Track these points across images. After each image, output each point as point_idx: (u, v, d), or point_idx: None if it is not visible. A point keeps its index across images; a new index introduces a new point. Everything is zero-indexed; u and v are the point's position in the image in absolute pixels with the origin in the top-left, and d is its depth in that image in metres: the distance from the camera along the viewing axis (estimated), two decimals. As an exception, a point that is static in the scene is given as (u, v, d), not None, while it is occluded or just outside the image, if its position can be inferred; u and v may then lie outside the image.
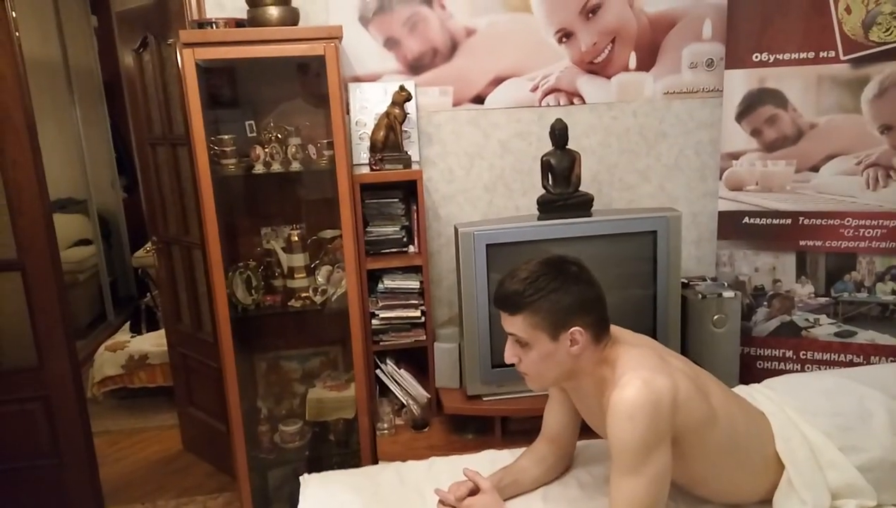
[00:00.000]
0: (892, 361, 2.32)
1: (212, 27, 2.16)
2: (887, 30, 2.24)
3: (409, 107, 2.42)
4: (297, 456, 2.46)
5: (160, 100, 2.89)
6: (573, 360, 1.35)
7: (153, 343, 3.72)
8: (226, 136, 2.24)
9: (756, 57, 2.36)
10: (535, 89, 2.58)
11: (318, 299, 2.34)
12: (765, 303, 2.52)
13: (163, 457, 3.27)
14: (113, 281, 5.22)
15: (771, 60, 2.35)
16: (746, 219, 2.48)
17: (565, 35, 2.54)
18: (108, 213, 5.33)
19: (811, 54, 2.31)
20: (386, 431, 2.36)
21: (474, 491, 1.50)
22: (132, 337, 3.87)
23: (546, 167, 2.33)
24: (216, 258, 2.18)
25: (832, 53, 2.29)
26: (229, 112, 2.38)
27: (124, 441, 3.43)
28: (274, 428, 2.47)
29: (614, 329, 1.47)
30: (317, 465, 2.31)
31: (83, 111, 4.86)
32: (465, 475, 1.51)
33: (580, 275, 1.36)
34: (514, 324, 1.34)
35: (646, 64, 2.59)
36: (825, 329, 2.47)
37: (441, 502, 1.50)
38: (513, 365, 1.41)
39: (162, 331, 3.60)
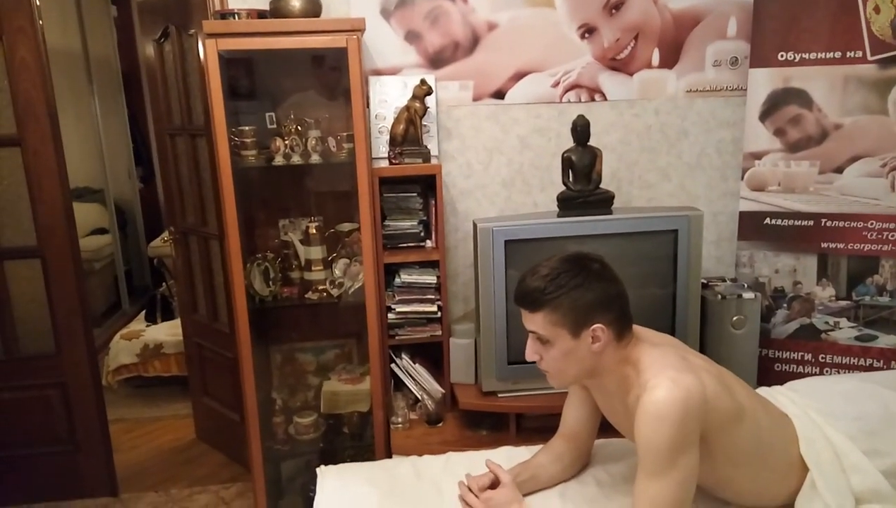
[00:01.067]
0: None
1: (234, 18, 2.16)
2: (916, 30, 2.21)
3: (430, 101, 2.41)
4: (310, 448, 2.46)
5: (180, 91, 2.90)
6: (595, 358, 1.34)
7: (168, 332, 3.74)
8: (246, 128, 2.24)
9: (781, 56, 2.33)
10: (556, 85, 2.56)
11: (335, 292, 2.34)
12: (784, 305, 2.49)
13: (176, 446, 3.29)
14: (128, 270, 5.26)
15: (796, 59, 2.32)
16: (768, 220, 2.45)
17: (588, 30, 2.52)
18: (125, 203, 5.36)
19: (838, 54, 2.28)
20: (400, 425, 2.36)
21: (495, 484, 1.50)
22: (147, 326, 3.89)
23: (567, 163, 2.31)
24: (235, 249, 2.19)
25: (859, 53, 2.26)
26: (249, 103, 2.38)
27: (139, 429, 3.45)
28: (288, 420, 2.48)
29: (636, 327, 1.45)
30: (330, 458, 2.31)
31: (102, 101, 4.89)
32: (487, 466, 1.51)
33: (602, 272, 1.35)
34: (534, 322, 1.33)
35: (669, 61, 2.56)
36: (845, 332, 2.44)
37: (462, 496, 1.49)
38: (533, 362, 1.41)
39: (177, 321, 3.62)
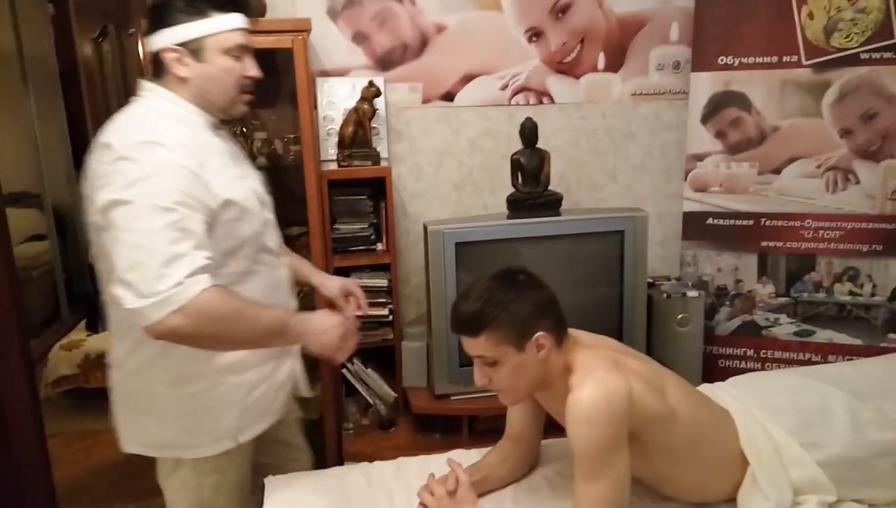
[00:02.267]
0: (848, 360, 2.38)
1: (175, 17, 2.10)
2: (848, 36, 2.30)
3: (378, 103, 2.40)
4: (260, 457, 2.40)
5: (120, 91, 2.81)
6: (542, 367, 1.35)
7: (105, 343, 3.61)
8: (189, 130, 2.18)
9: (721, 60, 2.39)
10: (504, 88, 2.58)
11: (284, 297, 2.29)
12: (727, 303, 2.56)
13: (119, 460, 3.17)
14: (68, 278, 5.06)
15: (736, 64, 2.39)
16: (710, 220, 2.52)
17: (535, 34, 2.54)
18: (64, 208, 5.16)
19: (775, 59, 2.36)
20: (352, 431, 2.33)
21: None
22: (88, 335, 3.76)
23: (516, 166, 2.33)
24: (178, 254, 2.12)
25: (795, 58, 2.34)
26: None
27: (80, 442, 3.32)
28: (237, 429, 2.41)
29: (574, 332, 1.47)
30: (281, 466, 2.26)
31: (38, 102, 4.69)
32: (449, 465, 1.50)
33: (530, 282, 1.36)
34: (478, 346, 1.33)
35: (614, 65, 2.61)
36: (785, 328, 2.52)
37: (420, 494, 1.48)
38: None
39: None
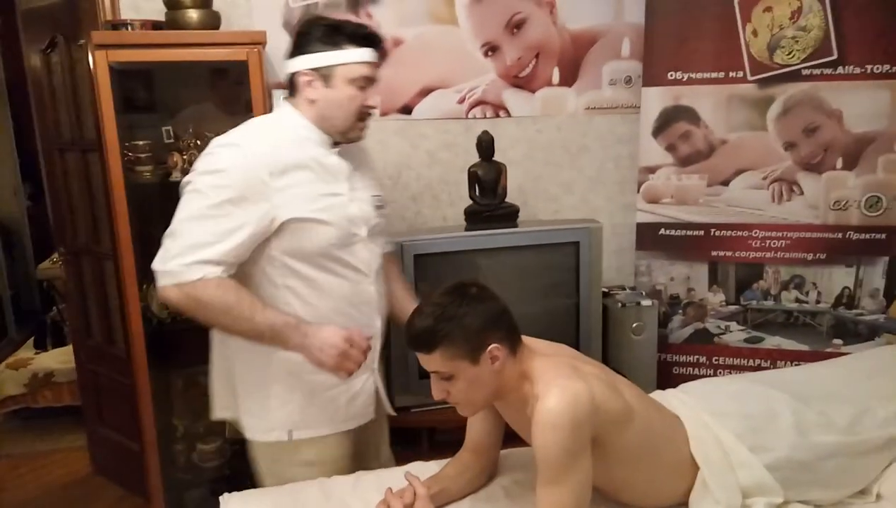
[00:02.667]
0: (796, 365, 2.46)
1: (127, 29, 2.08)
2: (790, 53, 2.39)
3: (335, 115, 2.39)
4: (216, 475, 2.36)
5: (70, 104, 2.74)
6: (498, 378, 1.36)
7: (59, 360, 3.51)
8: (141, 142, 2.15)
9: (671, 75, 2.46)
10: (461, 101, 2.60)
11: (240, 311, 2.26)
12: (680, 311, 2.62)
13: (70, 481, 3.07)
14: (15, 294, 4.90)
15: (685, 79, 2.46)
16: (663, 231, 2.58)
17: (491, 49, 2.58)
18: (11, 222, 5.00)
19: (721, 74, 2.44)
20: (310, 446, 2.30)
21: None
22: (36, 353, 3.63)
23: (473, 178, 2.35)
24: (129, 269, 2.09)
25: (741, 74, 2.43)
26: (146, 117, 2.29)
27: (28, 464, 3.20)
28: (191, 447, 2.38)
29: (529, 340, 1.49)
30: (238, 484, 2.21)
31: (-17, 113, 4.55)
32: (406, 479, 1.50)
33: (482, 294, 1.36)
34: (433, 362, 1.34)
35: (568, 79, 2.66)
36: (735, 335, 2.59)
37: None
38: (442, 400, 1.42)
39: (68, 347, 3.39)
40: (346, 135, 1.56)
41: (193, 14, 2.09)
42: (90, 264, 2.87)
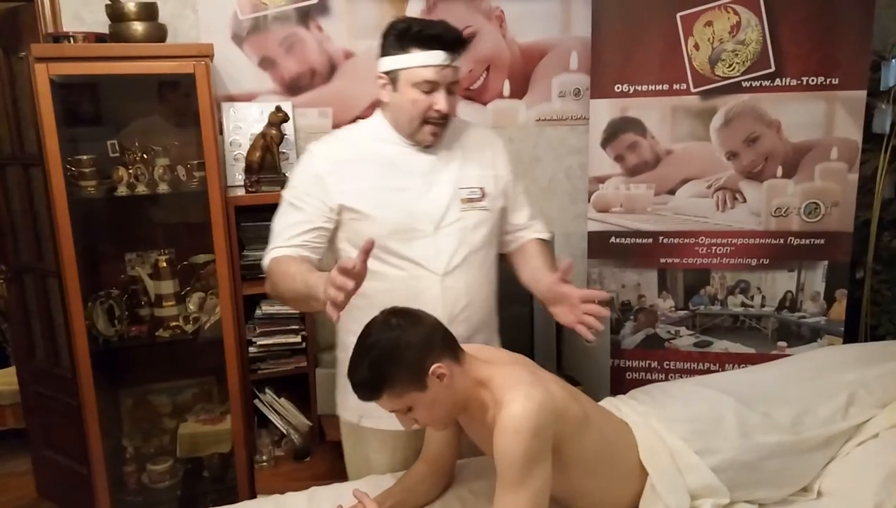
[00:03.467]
0: (743, 367, 2.53)
1: (69, 41, 2.03)
2: (730, 65, 2.47)
3: (287, 128, 2.38)
4: (167, 496, 2.31)
5: (10, 117, 2.66)
6: (453, 391, 1.36)
7: (2, 381, 3.38)
8: (85, 157, 2.10)
9: (618, 88, 2.52)
10: (414, 113, 2.61)
11: (189, 328, 2.22)
12: (631, 317, 2.67)
13: (14, 507, 2.96)
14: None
15: (631, 91, 2.52)
16: (613, 239, 2.63)
17: (442, 61, 2.59)
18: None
19: (666, 86, 2.51)
20: (265, 463, 2.27)
21: None
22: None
23: (425, 190, 2.36)
24: (74, 286, 2.03)
25: (684, 86, 2.50)
26: (91, 130, 2.24)
27: (-28, 491, 3.08)
28: (141, 468, 2.32)
29: (486, 350, 1.50)
30: (190, 504, 2.19)
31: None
32: (354, 496, 1.48)
33: (403, 321, 1.35)
34: (386, 403, 1.35)
35: (519, 92, 2.70)
36: (685, 340, 2.66)
37: None
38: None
39: (11, 369, 3.28)
40: (414, 138, 1.58)
41: (138, 26, 2.06)
42: (33, 282, 2.79)
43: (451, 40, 1.52)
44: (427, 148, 1.59)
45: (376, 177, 1.58)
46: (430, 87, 1.51)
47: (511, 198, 1.73)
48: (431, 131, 1.56)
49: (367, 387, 1.33)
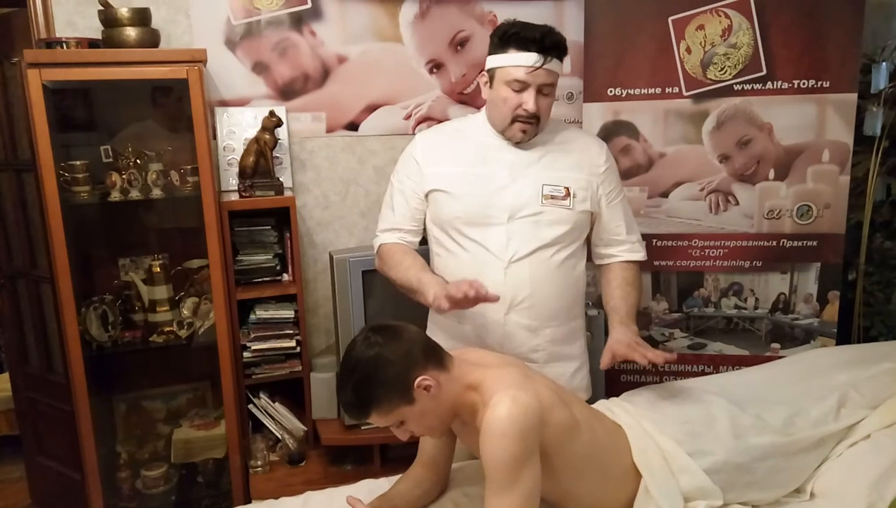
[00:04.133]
0: (737, 369, 2.53)
1: (62, 47, 2.03)
2: (722, 69, 2.48)
3: (281, 132, 2.38)
4: (162, 502, 2.30)
5: (2, 123, 2.65)
6: (441, 400, 1.36)
7: (-5, 388, 3.37)
8: (78, 162, 2.10)
9: (610, 91, 2.53)
10: (408, 117, 2.62)
11: (183, 333, 2.22)
12: (626, 320, 2.67)
13: (12, 514, 2.95)
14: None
15: (624, 95, 2.53)
16: (608, 242, 2.62)
17: (436, 66, 2.61)
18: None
19: (658, 90, 2.52)
20: (259, 468, 2.26)
21: None
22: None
23: (419, 194, 2.37)
24: (67, 292, 2.03)
25: (676, 89, 2.51)
26: (83, 136, 2.24)
27: (-35, 499, 3.06)
28: (135, 474, 2.31)
29: (478, 352, 1.50)
30: (185, 510, 2.18)
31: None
32: (348, 502, 1.48)
33: (383, 339, 1.34)
34: (376, 421, 1.36)
35: (512, 95, 2.70)
36: (679, 342, 2.66)
37: None
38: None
39: (5, 375, 3.27)
40: (505, 135, 1.67)
41: (131, 32, 2.06)
42: (27, 288, 2.78)
43: (547, 44, 1.58)
44: (518, 144, 1.67)
45: (464, 164, 1.69)
46: (521, 87, 1.58)
47: (606, 206, 1.77)
48: (521, 129, 1.63)
49: (355, 409, 1.34)
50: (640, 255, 1.84)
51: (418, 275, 1.60)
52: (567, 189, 1.68)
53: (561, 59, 1.63)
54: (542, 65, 1.57)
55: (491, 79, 1.64)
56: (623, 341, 1.63)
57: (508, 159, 1.67)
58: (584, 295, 1.84)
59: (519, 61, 1.57)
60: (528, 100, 1.58)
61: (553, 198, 1.67)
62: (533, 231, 1.65)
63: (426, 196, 1.71)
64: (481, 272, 1.62)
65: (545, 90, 1.61)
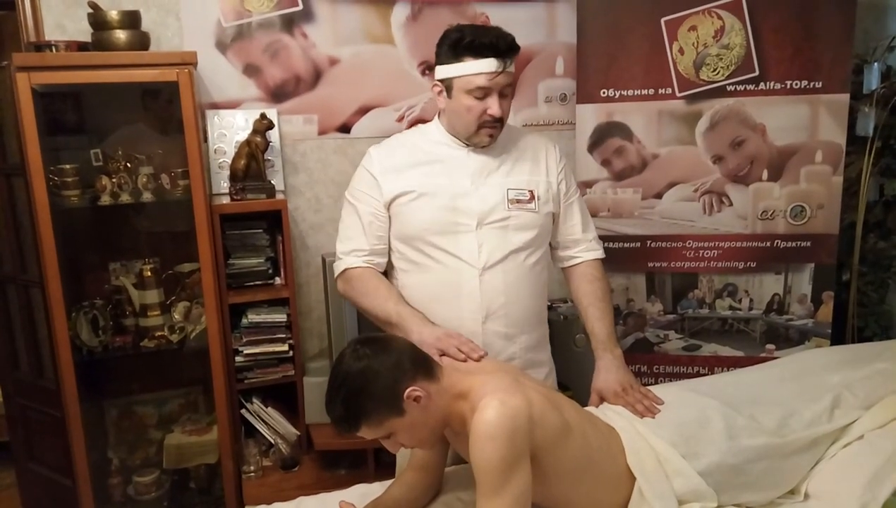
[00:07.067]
0: (730, 370, 2.53)
1: (51, 50, 2.02)
2: (714, 70, 2.49)
3: (272, 135, 2.37)
4: (154, 508, 2.29)
5: (-8, 126, 2.63)
6: (431, 411, 1.35)
7: (-13, 394, 3.34)
8: (67, 166, 2.08)
9: (603, 93, 2.53)
10: (401, 119, 2.61)
11: (175, 337, 2.21)
12: (620, 322, 2.67)
13: (1, 522, 2.92)
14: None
15: (617, 96, 2.53)
16: (601, 243, 2.62)
17: (427, 67, 2.60)
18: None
19: (651, 91, 2.52)
20: (252, 474, 2.25)
21: None
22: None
23: (412, 196, 2.35)
24: (57, 297, 2.01)
25: (669, 90, 2.51)
26: (74, 139, 2.23)
27: (-47, 507, 3.03)
28: (127, 480, 2.30)
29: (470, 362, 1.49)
30: (177, 516, 2.16)
31: None
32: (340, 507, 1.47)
33: (371, 351, 1.33)
34: (367, 434, 1.34)
35: (505, 97, 2.70)
36: (674, 344, 2.66)
37: None
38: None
39: (-4, 381, 3.24)
40: (472, 141, 1.65)
41: (121, 35, 2.05)
42: (16, 293, 2.76)
43: (503, 48, 1.55)
44: (480, 149, 1.65)
45: (424, 175, 1.65)
46: (484, 93, 1.56)
47: (563, 206, 1.75)
48: (488, 133, 1.62)
49: (345, 423, 1.32)
50: (599, 253, 1.82)
51: (397, 309, 1.58)
52: (531, 192, 1.67)
53: (514, 59, 1.61)
54: (504, 69, 1.55)
55: (448, 89, 1.59)
56: (611, 388, 1.66)
57: (469, 166, 1.65)
58: (546, 301, 1.83)
59: (479, 69, 1.54)
60: (493, 106, 1.56)
61: (519, 201, 1.66)
62: (502, 236, 1.64)
63: (388, 210, 1.65)
64: (456, 282, 1.61)
65: (505, 91, 1.59)
